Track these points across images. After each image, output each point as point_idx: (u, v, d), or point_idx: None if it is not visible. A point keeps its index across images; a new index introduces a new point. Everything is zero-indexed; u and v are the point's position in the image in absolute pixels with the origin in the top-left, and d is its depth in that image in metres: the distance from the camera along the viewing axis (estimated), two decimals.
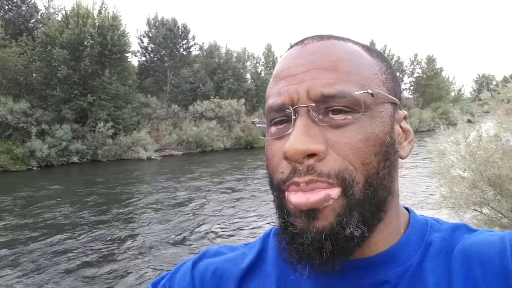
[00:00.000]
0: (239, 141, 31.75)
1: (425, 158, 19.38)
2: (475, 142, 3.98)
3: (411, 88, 59.22)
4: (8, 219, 11.32)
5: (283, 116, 0.56)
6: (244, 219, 11.00)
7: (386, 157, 0.54)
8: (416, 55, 58.69)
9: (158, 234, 9.69)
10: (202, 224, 10.51)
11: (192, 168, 21.91)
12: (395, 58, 55.26)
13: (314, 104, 0.53)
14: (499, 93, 4.72)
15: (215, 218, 11.12)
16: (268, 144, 0.58)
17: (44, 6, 27.27)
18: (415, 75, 58.84)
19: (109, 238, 9.37)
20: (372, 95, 0.54)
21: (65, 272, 7.41)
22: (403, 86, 59.11)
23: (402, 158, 0.59)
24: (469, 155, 3.91)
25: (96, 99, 24.90)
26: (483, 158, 3.76)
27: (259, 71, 39.38)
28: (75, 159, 23.85)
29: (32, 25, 25.93)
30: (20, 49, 23.63)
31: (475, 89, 69.45)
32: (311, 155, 0.51)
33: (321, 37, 0.58)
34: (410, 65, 58.42)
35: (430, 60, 58.09)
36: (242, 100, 32.51)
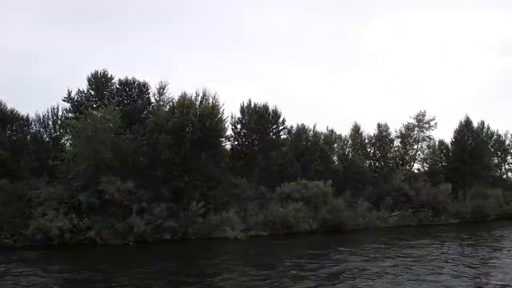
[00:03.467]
0: (325, 223, 30.95)
1: None
2: None
3: None
4: None
5: None
6: None
7: None
8: None
9: None
10: None
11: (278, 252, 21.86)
12: (494, 137, 50.94)
13: None
14: None
15: None
16: None
17: (156, 100, 31.39)
18: None
19: None
20: None
21: None
22: (506, 167, 53.55)
23: None
24: None
25: (191, 179, 26.78)
26: None
27: (346, 153, 39.30)
28: (167, 236, 25.14)
29: (144, 115, 29.83)
30: (132, 136, 27.02)
31: None
32: None
33: None
34: None
35: None
36: (329, 181, 32.25)
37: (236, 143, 34.54)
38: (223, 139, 30.61)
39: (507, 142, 52.10)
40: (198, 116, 27.80)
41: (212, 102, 29.54)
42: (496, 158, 51.34)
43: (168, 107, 30.30)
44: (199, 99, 29.60)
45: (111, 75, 31.25)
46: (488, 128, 49.24)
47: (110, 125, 26.27)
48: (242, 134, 34.40)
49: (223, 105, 29.76)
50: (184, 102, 28.12)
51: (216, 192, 27.88)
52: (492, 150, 50.07)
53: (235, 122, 34.63)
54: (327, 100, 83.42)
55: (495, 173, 50.44)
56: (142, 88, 31.20)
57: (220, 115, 29.30)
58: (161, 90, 31.45)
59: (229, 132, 33.11)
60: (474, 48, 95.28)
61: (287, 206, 29.54)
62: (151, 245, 23.70)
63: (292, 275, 15.32)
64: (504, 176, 52.20)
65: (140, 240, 24.02)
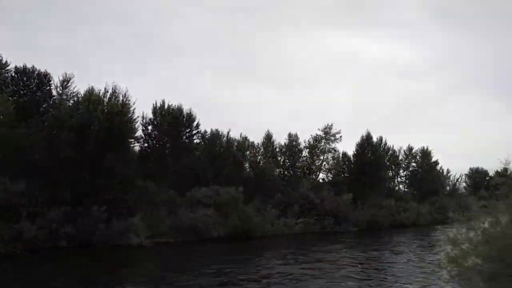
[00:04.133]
0: (235, 230, 30.92)
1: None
2: (492, 227, 3.92)
3: (407, 181, 59.54)
4: None
5: None
6: None
7: None
8: (410, 149, 59.73)
9: None
10: None
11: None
12: (390, 152, 56.18)
13: None
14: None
15: None
16: None
17: (58, 93, 28.65)
18: (410, 168, 59.49)
19: None
20: None
21: None
22: (399, 180, 59.36)
23: None
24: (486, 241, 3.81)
25: (95, 181, 24.82)
26: (503, 244, 3.65)
27: (258, 160, 40.00)
28: (64, 243, 22.88)
29: (43, 109, 27.01)
30: (28, 130, 24.27)
31: (469, 183, 70.16)
32: None
33: None
34: (405, 159, 59.33)
35: (425, 154, 59.16)
36: (241, 188, 32.40)
37: (146, 145, 33.10)
38: (132, 140, 29.04)
39: (400, 157, 58.08)
40: (105, 114, 26.02)
41: (123, 100, 27.91)
42: (390, 171, 56.78)
43: (72, 101, 27.88)
44: (108, 96, 27.74)
45: (6, 61, 27.85)
46: (385, 143, 54.29)
47: (1, 117, 23.44)
48: (153, 136, 33.09)
49: (134, 104, 28.31)
50: (91, 97, 26.14)
51: (122, 196, 26.16)
52: (388, 163, 55.28)
53: (146, 123, 33.20)
54: (241, 108, 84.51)
55: (389, 185, 55.65)
56: (43, 78, 28.16)
57: (130, 114, 27.82)
58: (65, 83, 28.85)
59: (139, 133, 31.66)
60: (379, 71, 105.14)
61: (197, 211, 28.94)
62: (45, 253, 21.19)
63: (218, 282, 15.00)
64: (397, 188, 57.92)
65: (30, 248, 21.37)
